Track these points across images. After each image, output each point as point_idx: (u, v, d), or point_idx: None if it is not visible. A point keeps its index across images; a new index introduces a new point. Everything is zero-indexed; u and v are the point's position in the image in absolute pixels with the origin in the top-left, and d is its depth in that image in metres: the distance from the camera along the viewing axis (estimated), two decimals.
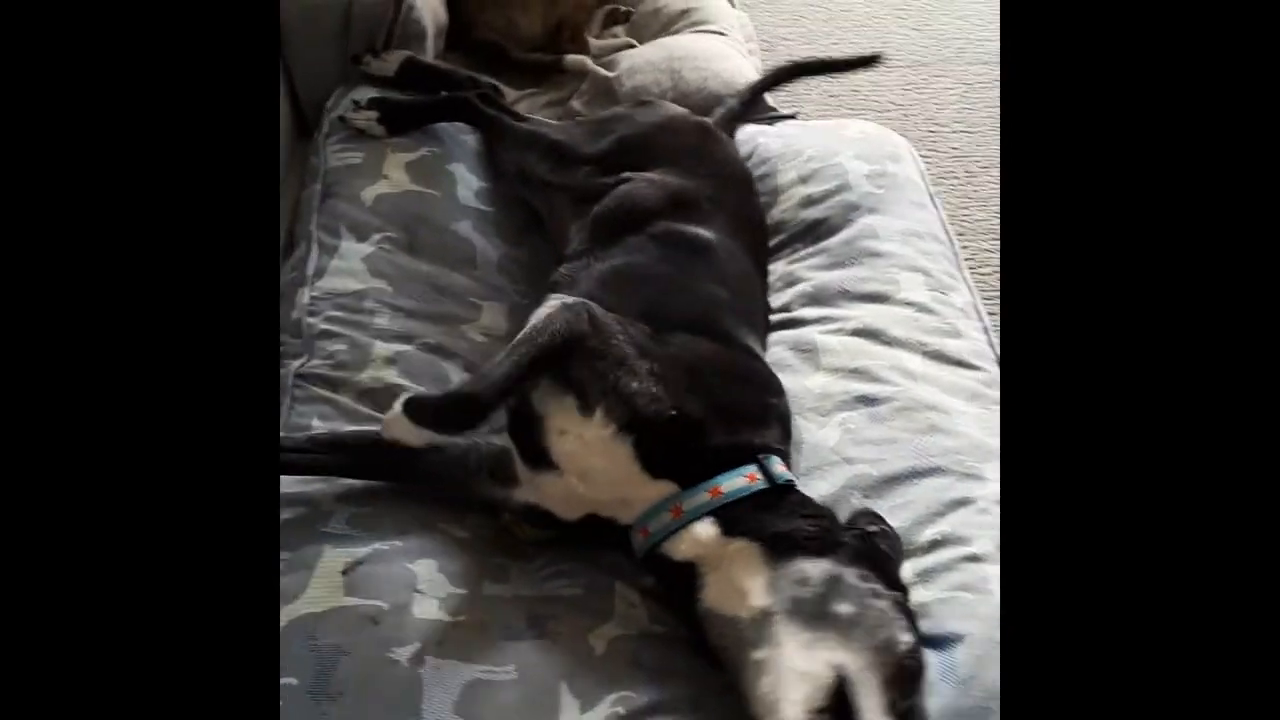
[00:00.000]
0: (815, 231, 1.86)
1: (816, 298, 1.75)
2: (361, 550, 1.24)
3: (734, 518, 1.20)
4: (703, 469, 1.24)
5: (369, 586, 1.21)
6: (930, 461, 1.43)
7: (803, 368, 1.62)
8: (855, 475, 1.42)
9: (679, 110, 1.91)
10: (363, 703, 1.09)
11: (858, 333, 1.67)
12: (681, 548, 1.20)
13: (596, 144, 1.74)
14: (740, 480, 1.23)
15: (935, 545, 1.31)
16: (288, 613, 1.16)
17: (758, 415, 1.33)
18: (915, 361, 1.63)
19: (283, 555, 1.22)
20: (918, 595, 1.25)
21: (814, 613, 1.11)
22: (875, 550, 1.21)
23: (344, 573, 1.21)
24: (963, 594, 1.25)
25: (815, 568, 1.15)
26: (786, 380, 1.56)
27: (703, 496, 1.22)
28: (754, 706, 1.07)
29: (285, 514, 1.28)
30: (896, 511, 1.36)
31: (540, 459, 1.29)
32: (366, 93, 1.92)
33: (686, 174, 1.69)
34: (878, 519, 1.27)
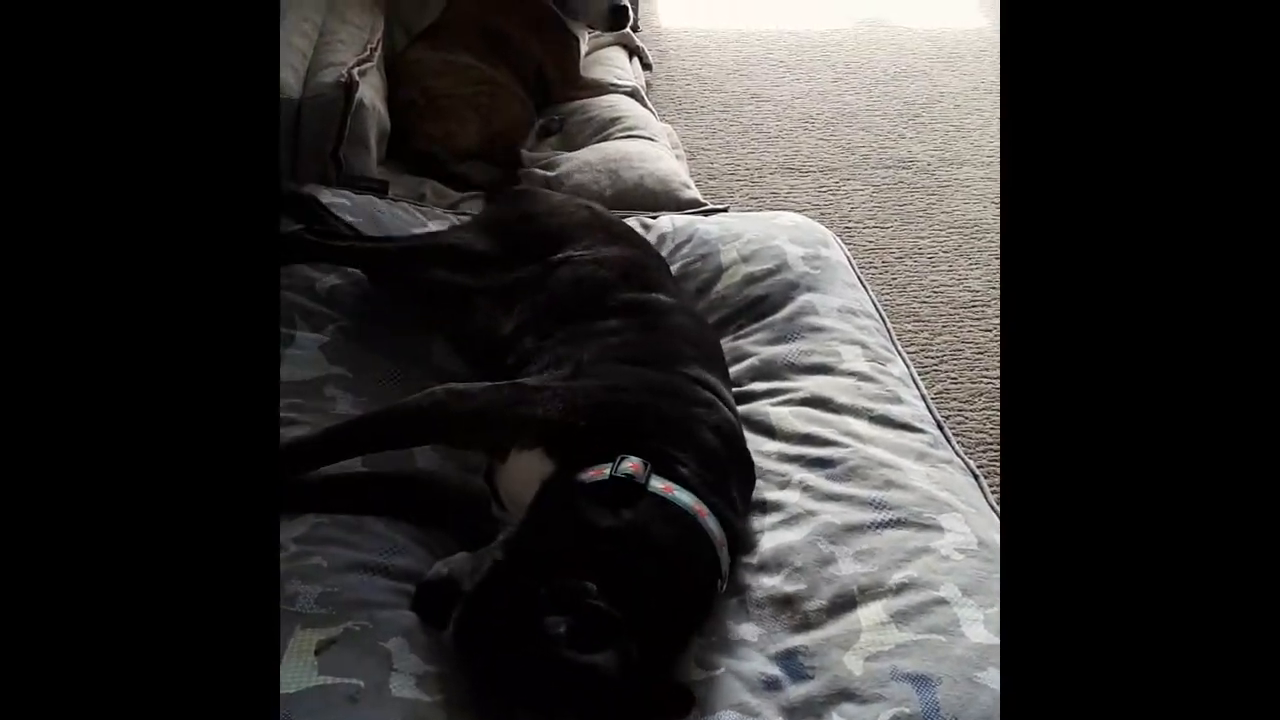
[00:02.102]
0: (758, 308, 1.93)
1: (764, 371, 1.81)
2: (334, 630, 1.21)
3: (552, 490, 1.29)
4: (582, 460, 1.30)
5: (344, 665, 1.17)
6: (890, 514, 1.47)
7: (758, 439, 1.66)
8: (821, 524, 1.45)
9: (557, 194, 1.99)
10: None
11: (806, 402, 1.73)
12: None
13: (500, 242, 1.75)
14: (588, 473, 1.29)
15: (904, 588, 1.34)
16: None
17: (668, 421, 1.39)
18: (862, 425, 1.69)
19: None
20: (892, 636, 1.27)
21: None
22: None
23: (317, 652, 1.18)
24: (935, 636, 1.27)
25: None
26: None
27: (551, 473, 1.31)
28: None
29: None
30: (863, 558, 1.39)
31: (500, 501, 1.38)
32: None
33: (615, 244, 1.76)
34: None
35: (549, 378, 1.43)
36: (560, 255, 1.70)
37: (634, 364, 1.46)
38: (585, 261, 1.69)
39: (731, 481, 1.41)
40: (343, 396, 1.58)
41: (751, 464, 1.50)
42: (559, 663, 1.09)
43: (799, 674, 1.26)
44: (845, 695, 1.21)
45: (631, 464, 1.28)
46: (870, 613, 1.32)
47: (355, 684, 1.15)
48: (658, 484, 1.29)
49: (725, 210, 2.38)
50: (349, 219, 1.87)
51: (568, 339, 1.53)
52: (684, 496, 1.30)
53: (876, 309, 2.05)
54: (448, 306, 1.74)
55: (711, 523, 1.31)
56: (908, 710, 1.17)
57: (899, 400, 1.78)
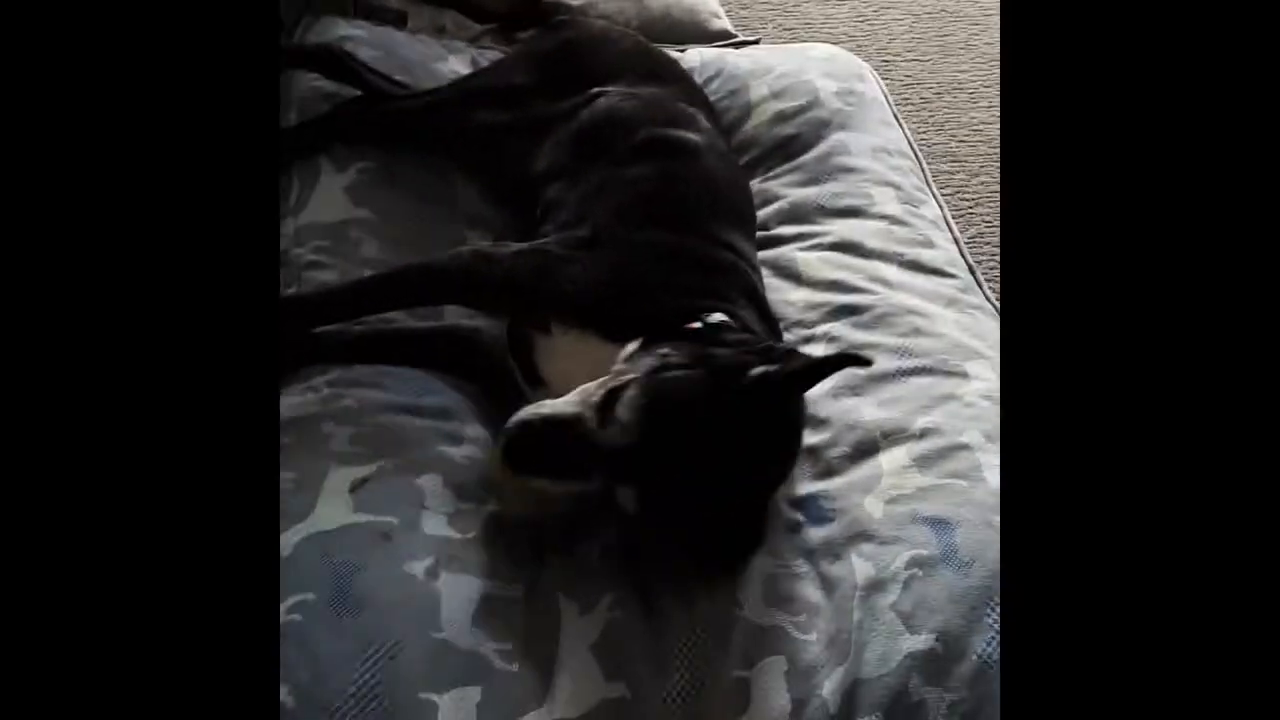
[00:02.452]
0: (788, 148, 1.88)
1: (793, 215, 1.77)
2: (367, 468, 1.24)
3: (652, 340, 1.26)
4: (651, 329, 1.28)
5: (377, 503, 1.21)
6: (915, 361, 1.47)
7: (783, 285, 1.65)
8: (843, 376, 1.44)
9: (600, 21, 1.90)
10: (383, 615, 1.10)
11: (835, 246, 1.70)
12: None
13: (539, 73, 1.71)
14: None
15: (927, 433, 1.34)
16: (298, 531, 1.16)
17: (711, 288, 1.37)
18: (892, 271, 1.66)
19: (289, 475, 1.21)
20: (914, 480, 1.29)
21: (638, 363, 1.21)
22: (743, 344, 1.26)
23: (351, 490, 1.21)
24: (956, 481, 1.29)
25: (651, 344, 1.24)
26: (769, 298, 1.59)
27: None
28: None
29: (286, 437, 1.26)
30: (886, 406, 1.39)
31: (535, 378, 1.35)
32: None
33: (653, 80, 1.70)
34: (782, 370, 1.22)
35: (567, 240, 1.40)
36: (597, 90, 1.65)
37: (651, 225, 1.42)
38: (621, 96, 1.63)
39: (765, 333, 1.41)
40: (368, 240, 1.56)
41: (776, 322, 1.49)
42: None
43: (820, 517, 1.28)
44: (864, 537, 1.24)
45: (719, 315, 1.29)
46: (892, 458, 1.33)
47: (389, 521, 1.19)
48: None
49: (756, 42, 2.28)
50: (367, 52, 1.81)
51: (589, 190, 1.50)
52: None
53: (912, 148, 1.99)
54: (478, 148, 1.71)
55: None
56: (925, 552, 1.20)
57: (931, 244, 1.74)
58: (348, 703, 1.03)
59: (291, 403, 1.32)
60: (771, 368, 1.18)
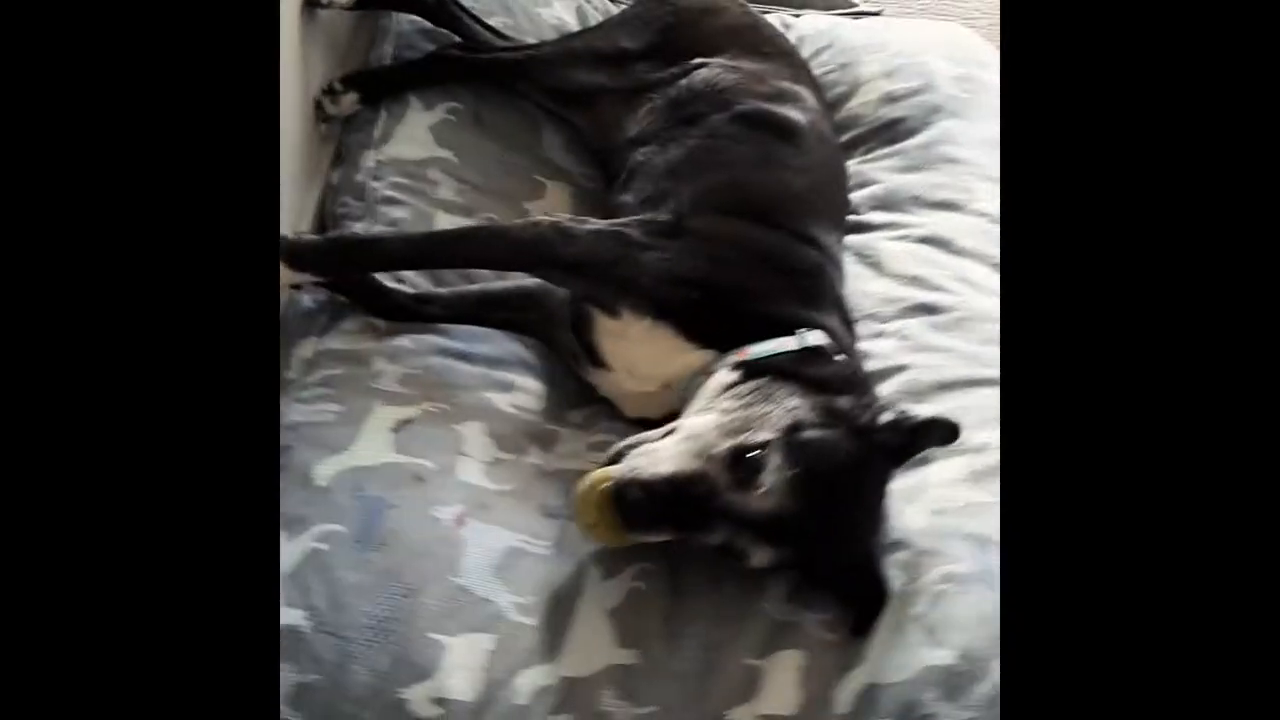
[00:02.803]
0: (893, 131, 1.81)
1: (887, 202, 1.71)
2: (411, 410, 1.26)
3: (753, 369, 1.22)
4: (741, 337, 1.25)
5: (416, 445, 1.23)
6: (986, 372, 1.41)
7: (864, 274, 1.60)
8: (908, 380, 1.40)
9: None
10: (405, 555, 1.12)
11: (925, 240, 1.64)
12: (703, 398, 1.22)
13: (646, 37, 1.68)
14: (771, 344, 1.24)
15: (985, 449, 1.29)
16: (336, 463, 1.19)
17: (796, 292, 1.33)
18: (982, 273, 1.60)
19: (334, 409, 1.24)
20: (964, 494, 1.24)
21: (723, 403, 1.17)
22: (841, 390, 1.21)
23: (393, 430, 1.23)
24: None
25: (757, 382, 1.19)
26: (847, 285, 1.54)
27: (733, 357, 1.24)
28: None
29: (338, 369, 1.30)
30: (949, 416, 1.33)
31: (596, 357, 1.34)
32: None
33: (757, 56, 1.65)
34: (907, 416, 1.20)
35: (649, 224, 1.35)
36: (699, 60, 1.61)
37: (737, 216, 1.38)
38: (722, 68, 1.60)
39: (852, 341, 1.38)
40: (445, 181, 1.57)
41: (852, 325, 1.44)
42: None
43: None
44: (902, 545, 1.20)
45: (816, 334, 1.26)
46: (944, 469, 1.28)
47: (424, 464, 1.21)
48: (839, 357, 1.27)
49: (879, 14, 2.20)
50: None
51: (677, 159, 1.46)
52: (850, 361, 1.29)
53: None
54: (573, 106, 1.70)
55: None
56: (961, 569, 1.16)
57: None
58: (361, 633, 1.06)
59: (347, 335, 1.34)
60: (898, 419, 1.16)
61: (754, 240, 1.35)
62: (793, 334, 1.25)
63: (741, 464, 1.10)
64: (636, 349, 1.30)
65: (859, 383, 1.24)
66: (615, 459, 1.13)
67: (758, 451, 1.10)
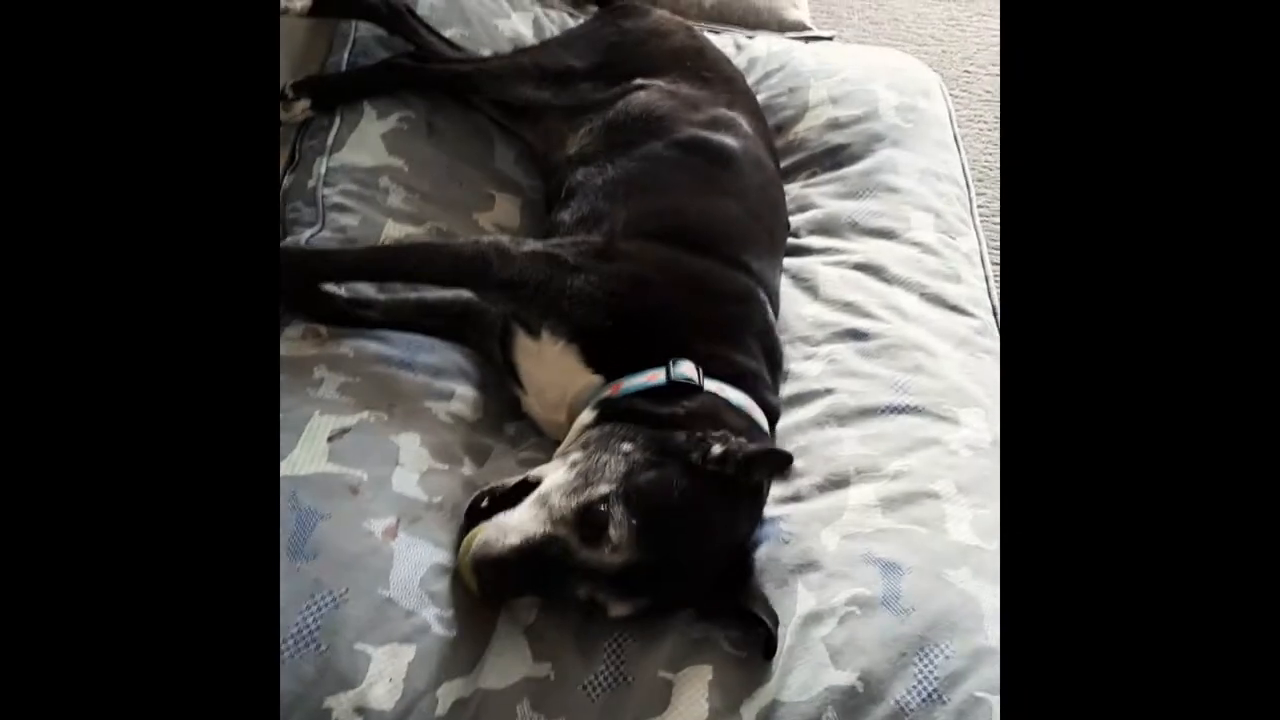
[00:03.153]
0: (836, 157, 1.87)
1: (826, 226, 1.77)
2: (349, 419, 1.29)
3: (609, 411, 1.27)
4: (624, 366, 1.31)
5: (353, 455, 1.26)
6: (908, 400, 1.47)
7: (800, 297, 1.65)
8: (833, 404, 1.46)
9: (661, 12, 1.89)
10: (335, 566, 1.15)
11: (859, 267, 1.69)
12: (570, 438, 1.29)
13: (591, 57, 1.72)
14: (641, 379, 1.29)
15: (900, 476, 1.35)
16: None
17: (713, 319, 1.38)
18: (911, 302, 1.66)
19: None
20: (875, 520, 1.30)
21: (571, 456, 1.22)
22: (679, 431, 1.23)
23: (330, 439, 1.26)
24: (917, 528, 1.30)
25: (601, 429, 1.24)
26: (782, 307, 1.60)
27: (605, 392, 1.30)
28: None
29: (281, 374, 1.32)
30: (869, 441, 1.40)
31: (516, 377, 1.40)
32: None
33: (697, 80, 1.69)
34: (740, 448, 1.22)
35: (582, 245, 1.40)
36: (639, 82, 1.65)
37: (669, 242, 1.42)
38: (660, 92, 1.64)
39: (763, 367, 1.40)
40: (395, 190, 1.60)
41: (780, 353, 1.49)
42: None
43: (776, 538, 1.30)
44: (814, 567, 1.26)
45: (686, 366, 1.29)
46: (860, 494, 1.34)
47: (359, 475, 1.24)
48: (711, 385, 1.30)
49: (830, 39, 2.24)
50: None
51: (612, 181, 1.50)
52: (734, 394, 1.31)
53: (965, 175, 1.95)
54: (518, 121, 1.73)
55: (760, 416, 1.34)
56: (868, 592, 1.21)
57: (957, 279, 1.73)
58: (287, 642, 1.09)
59: (290, 341, 1.37)
60: (729, 449, 1.19)
61: (681, 266, 1.40)
62: (664, 366, 1.29)
63: (587, 521, 1.14)
64: (546, 372, 1.35)
65: (708, 416, 1.27)
66: (472, 513, 1.19)
67: (602, 506, 1.14)
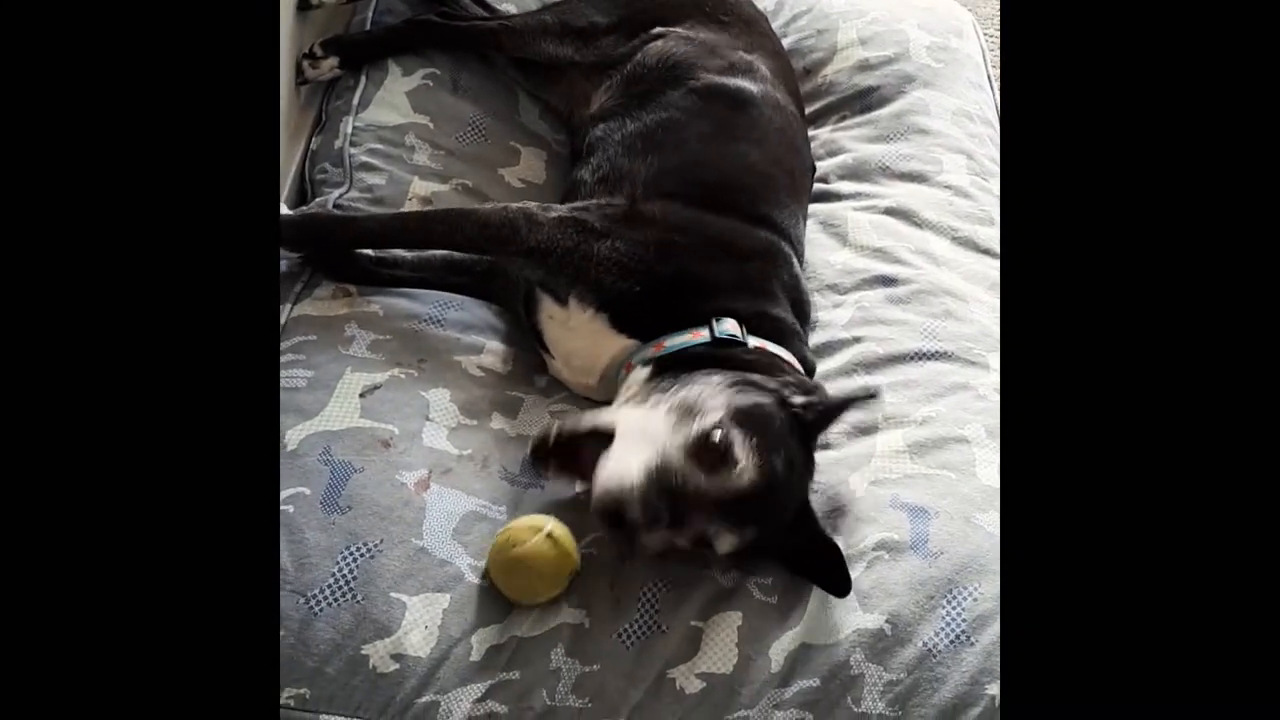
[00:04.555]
0: (865, 100, 1.84)
1: (856, 171, 1.75)
2: (380, 376, 1.32)
3: (665, 364, 1.27)
4: (665, 328, 1.30)
5: (384, 411, 1.28)
6: (938, 345, 1.46)
7: (829, 243, 1.64)
8: (861, 351, 1.45)
9: None
10: (369, 518, 1.18)
11: (890, 212, 1.68)
12: (626, 393, 1.28)
13: (614, 11, 1.71)
14: (685, 336, 1.29)
15: (929, 421, 1.35)
16: (306, 428, 1.24)
17: (739, 277, 1.37)
18: (943, 246, 1.64)
19: (305, 374, 1.30)
20: (903, 466, 1.30)
21: (650, 399, 1.20)
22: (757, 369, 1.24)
23: (362, 395, 1.29)
24: (945, 472, 1.30)
25: (673, 376, 1.22)
26: (810, 254, 1.59)
27: (649, 351, 1.29)
28: None
29: (310, 335, 1.35)
30: (896, 388, 1.40)
31: (541, 341, 1.40)
32: None
33: (715, 24, 1.67)
34: (822, 398, 1.23)
35: (606, 209, 1.39)
36: (658, 30, 1.64)
37: (690, 201, 1.41)
38: (676, 39, 1.62)
39: (791, 322, 1.40)
40: (421, 146, 1.60)
41: (809, 304, 1.48)
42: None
43: None
44: (841, 512, 1.27)
45: (730, 323, 1.29)
46: (888, 440, 1.34)
47: (390, 429, 1.26)
48: (754, 341, 1.30)
49: None
50: None
51: (632, 135, 1.49)
52: (777, 350, 1.32)
53: (998, 115, 1.92)
54: (542, 77, 1.72)
55: (801, 368, 1.33)
56: (895, 536, 1.22)
57: (990, 222, 1.71)
58: (324, 591, 1.13)
59: (320, 301, 1.39)
60: (811, 399, 1.19)
61: (703, 226, 1.39)
62: (707, 324, 1.29)
63: (708, 447, 1.10)
64: (575, 339, 1.36)
65: (768, 366, 1.27)
66: (539, 452, 1.18)
67: (718, 432, 1.12)
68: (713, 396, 1.16)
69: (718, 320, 1.29)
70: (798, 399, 1.19)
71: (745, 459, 1.11)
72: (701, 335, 1.29)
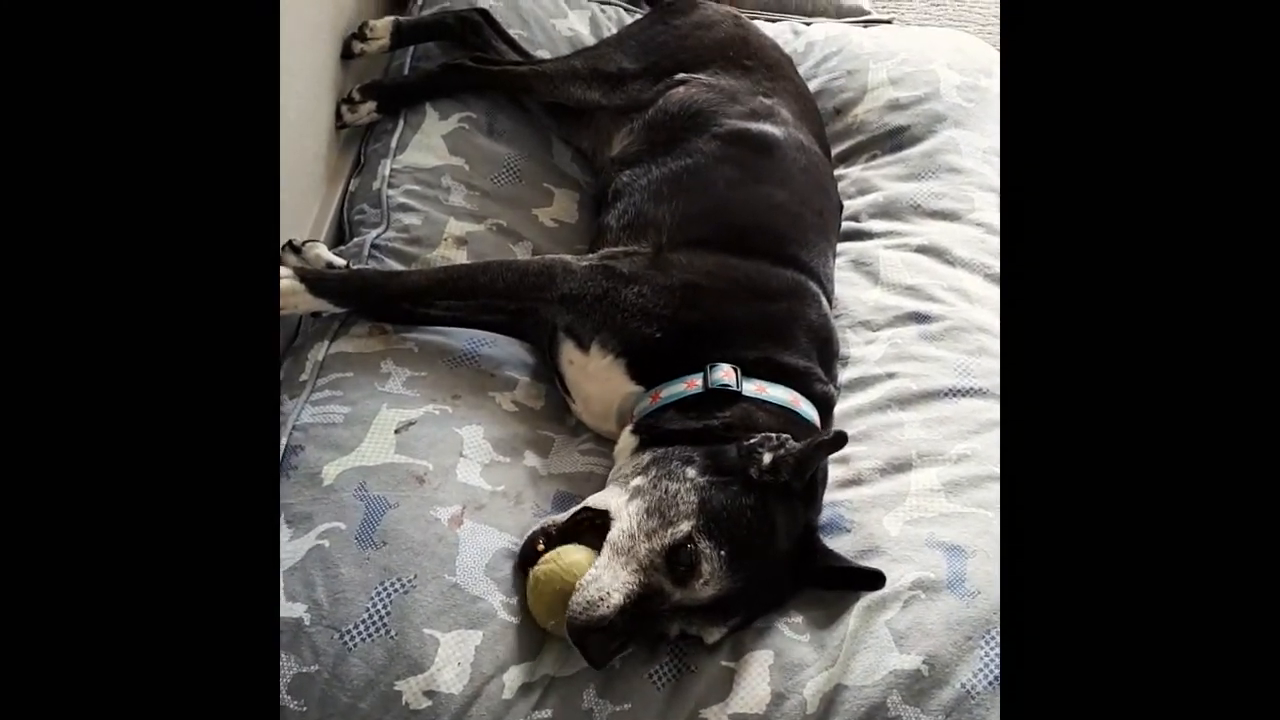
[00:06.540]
0: (896, 139, 1.85)
1: (887, 210, 1.75)
2: (415, 412, 1.33)
3: (649, 431, 1.30)
4: (665, 376, 1.32)
5: (418, 446, 1.29)
6: (972, 382, 1.45)
7: (860, 281, 1.64)
8: (895, 387, 1.45)
9: (710, 4, 1.88)
10: (403, 553, 1.19)
11: (922, 250, 1.68)
12: (618, 460, 1.32)
13: (643, 57, 1.73)
14: (680, 386, 1.31)
15: (963, 459, 1.34)
16: (343, 463, 1.26)
17: (751, 323, 1.37)
18: (975, 283, 1.63)
19: (341, 410, 1.32)
20: (939, 504, 1.29)
21: (631, 483, 1.22)
22: (729, 446, 1.24)
23: (397, 432, 1.30)
24: (982, 511, 1.29)
25: (653, 452, 1.25)
26: (842, 292, 1.59)
27: (646, 401, 1.32)
28: None
29: (347, 372, 1.37)
30: (930, 425, 1.39)
31: (563, 384, 1.42)
32: None
33: (738, 70, 1.69)
34: (788, 451, 1.22)
35: (635, 256, 1.42)
36: (681, 76, 1.66)
37: (716, 247, 1.42)
38: (699, 86, 1.64)
39: (814, 361, 1.39)
40: (456, 188, 1.63)
41: (835, 341, 1.47)
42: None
43: (838, 525, 1.30)
44: (875, 552, 1.26)
45: (723, 371, 1.30)
46: (923, 478, 1.33)
47: (424, 465, 1.27)
48: (750, 386, 1.30)
49: (888, 22, 2.22)
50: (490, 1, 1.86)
51: (657, 183, 1.52)
52: (776, 391, 1.32)
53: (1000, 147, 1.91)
54: (571, 123, 1.76)
55: (806, 407, 1.33)
56: (933, 576, 1.21)
57: None
58: (359, 626, 1.13)
59: (357, 339, 1.41)
60: (780, 453, 1.20)
61: (729, 271, 1.40)
62: (699, 369, 1.30)
63: (678, 562, 1.15)
64: (592, 384, 1.38)
65: (742, 422, 1.27)
66: (528, 554, 1.20)
67: (689, 545, 1.15)
68: (686, 497, 1.18)
69: (712, 368, 1.30)
70: (766, 458, 1.19)
71: (711, 571, 1.15)
72: (695, 385, 1.30)
